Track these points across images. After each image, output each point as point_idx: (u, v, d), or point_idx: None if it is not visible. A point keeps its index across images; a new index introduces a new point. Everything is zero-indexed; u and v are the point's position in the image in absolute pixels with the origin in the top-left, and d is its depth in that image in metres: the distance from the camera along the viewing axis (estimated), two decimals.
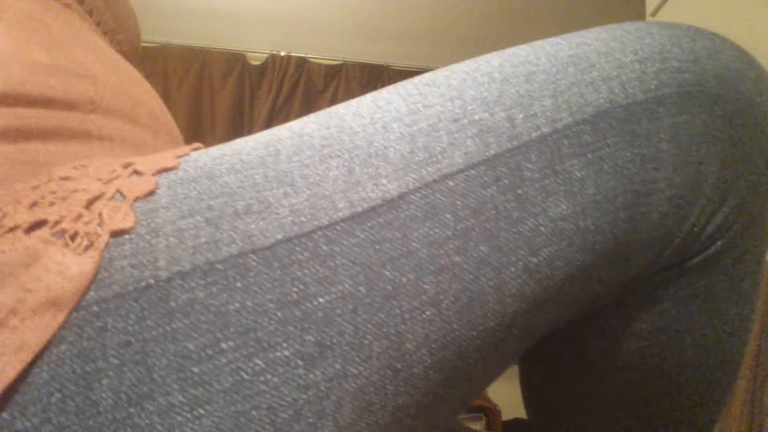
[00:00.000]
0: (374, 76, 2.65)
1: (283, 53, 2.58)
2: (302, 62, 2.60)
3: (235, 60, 2.57)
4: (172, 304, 0.23)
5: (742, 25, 1.23)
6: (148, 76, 2.49)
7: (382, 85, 2.64)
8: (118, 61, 0.40)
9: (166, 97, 2.52)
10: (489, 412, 2.16)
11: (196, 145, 0.31)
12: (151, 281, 0.23)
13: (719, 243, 0.31)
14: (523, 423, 2.26)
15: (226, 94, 2.55)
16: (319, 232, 0.25)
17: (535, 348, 0.40)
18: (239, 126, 2.55)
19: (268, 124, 2.54)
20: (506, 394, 2.06)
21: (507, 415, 2.20)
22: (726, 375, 0.35)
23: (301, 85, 2.60)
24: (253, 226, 0.25)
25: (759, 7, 1.20)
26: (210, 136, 2.51)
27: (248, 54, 2.58)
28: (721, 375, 0.35)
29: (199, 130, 2.51)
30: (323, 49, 2.62)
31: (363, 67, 2.64)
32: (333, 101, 2.61)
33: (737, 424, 1.20)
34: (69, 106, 0.33)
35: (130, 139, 0.36)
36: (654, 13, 1.52)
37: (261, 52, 2.59)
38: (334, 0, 2.35)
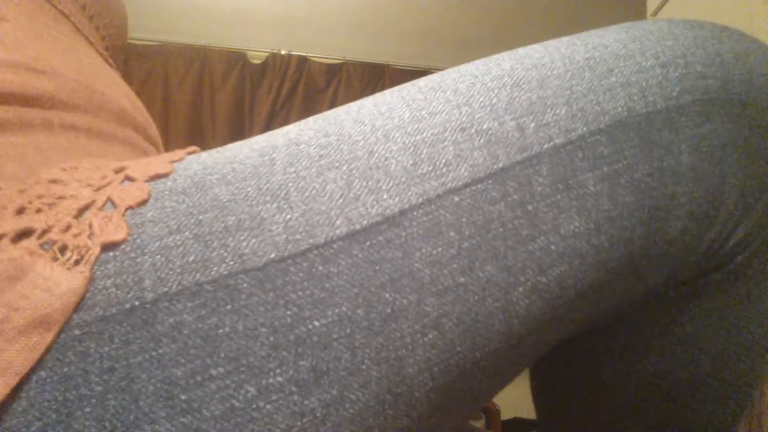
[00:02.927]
0: (375, 75, 2.65)
1: (283, 52, 2.58)
2: (303, 61, 2.59)
3: (236, 59, 2.56)
4: (159, 327, 0.22)
5: (744, 25, 1.22)
6: (148, 75, 2.50)
7: (383, 85, 2.63)
8: (84, 56, 0.39)
9: (167, 95, 2.51)
10: (489, 412, 2.16)
11: (192, 148, 0.29)
12: (137, 303, 0.22)
13: (740, 258, 0.30)
14: (523, 422, 2.26)
15: (227, 93, 2.54)
16: (315, 251, 0.23)
17: (547, 358, 0.39)
18: (240, 125, 2.55)
19: (269, 122, 2.54)
20: (506, 394, 2.06)
21: (507, 415, 2.20)
22: (743, 392, 0.34)
23: (301, 84, 2.59)
24: (244, 244, 0.23)
25: (761, 6, 1.19)
26: (210, 135, 2.51)
27: (249, 53, 2.58)
28: (738, 392, 0.34)
29: (199, 129, 2.51)
30: (324, 48, 2.61)
31: (364, 66, 2.64)
32: (334, 100, 2.61)
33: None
34: (26, 101, 0.31)
35: (95, 130, 0.35)
36: (655, 13, 1.51)
37: (262, 51, 2.58)
38: None
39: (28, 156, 0.30)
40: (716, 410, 0.34)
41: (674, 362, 0.33)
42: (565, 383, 0.39)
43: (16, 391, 0.20)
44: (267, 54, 2.59)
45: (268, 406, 0.22)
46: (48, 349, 0.21)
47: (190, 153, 0.29)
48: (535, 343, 0.27)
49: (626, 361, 0.34)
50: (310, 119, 0.29)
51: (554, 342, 0.29)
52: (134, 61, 2.49)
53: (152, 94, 2.49)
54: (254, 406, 0.22)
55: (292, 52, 2.58)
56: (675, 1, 1.47)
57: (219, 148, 0.28)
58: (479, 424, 2.15)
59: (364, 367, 0.23)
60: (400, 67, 2.67)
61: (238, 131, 2.54)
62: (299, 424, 0.22)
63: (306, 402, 0.22)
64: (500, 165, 0.26)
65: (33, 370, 0.21)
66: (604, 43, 0.29)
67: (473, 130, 0.26)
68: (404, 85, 0.29)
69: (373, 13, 2.45)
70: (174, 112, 2.51)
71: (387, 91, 0.29)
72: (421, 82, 0.29)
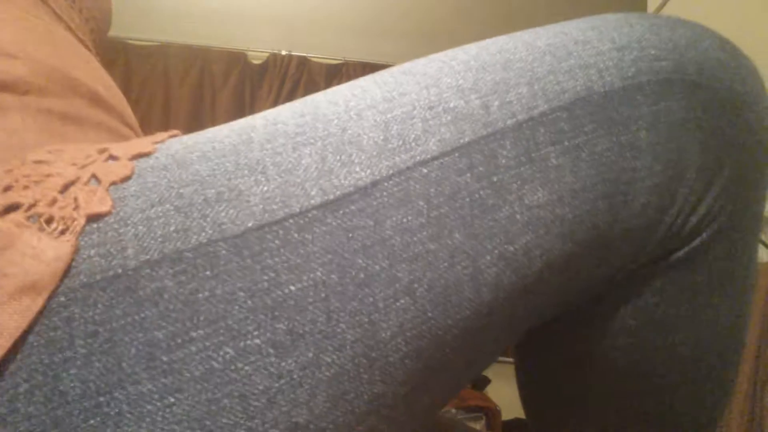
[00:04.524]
0: None
1: (284, 52, 2.58)
2: (303, 61, 2.60)
3: (236, 59, 2.57)
4: (141, 293, 0.23)
5: (745, 24, 1.23)
6: (149, 75, 2.50)
7: None
8: (61, 41, 0.39)
9: (167, 96, 2.52)
10: (489, 412, 2.16)
11: (173, 132, 0.31)
12: (119, 270, 0.23)
13: (705, 235, 0.31)
14: (523, 423, 2.26)
15: (227, 93, 2.55)
16: (291, 220, 0.24)
17: (525, 346, 0.40)
18: None
19: None
20: (506, 394, 2.06)
21: (507, 415, 2.19)
22: (723, 372, 0.34)
23: (302, 85, 2.60)
24: (223, 214, 0.24)
25: (761, 6, 1.20)
26: None
27: (249, 53, 2.59)
28: (718, 373, 0.34)
29: (199, 129, 2.50)
30: (324, 49, 2.62)
31: (364, 66, 2.64)
32: None
33: (737, 424, 1.20)
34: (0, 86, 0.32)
35: (71, 115, 0.35)
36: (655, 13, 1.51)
37: (262, 52, 2.59)
38: None
39: (2, 140, 0.30)
40: (698, 395, 0.35)
41: (650, 344, 0.33)
42: (547, 374, 0.39)
43: (5, 354, 0.21)
44: (267, 54, 2.59)
45: (247, 368, 0.23)
46: (37, 314, 0.22)
47: (171, 136, 0.30)
48: (507, 315, 0.28)
49: (603, 346, 0.34)
50: (288, 103, 0.30)
51: (528, 320, 0.30)
52: (135, 61, 2.51)
53: (152, 94, 2.50)
54: (233, 367, 0.23)
55: (293, 53, 2.59)
56: (675, 1, 1.47)
57: (200, 131, 0.29)
58: (479, 425, 2.14)
59: (339, 330, 0.24)
60: None
61: None
62: (276, 385, 0.23)
63: (283, 364, 0.23)
64: (466, 139, 0.27)
65: (22, 334, 0.21)
66: (564, 31, 0.31)
67: (441, 108, 0.27)
68: (377, 72, 0.31)
69: (373, 14, 2.46)
70: (174, 113, 2.52)
71: (361, 78, 0.30)
72: (394, 69, 0.31)
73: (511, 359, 0.45)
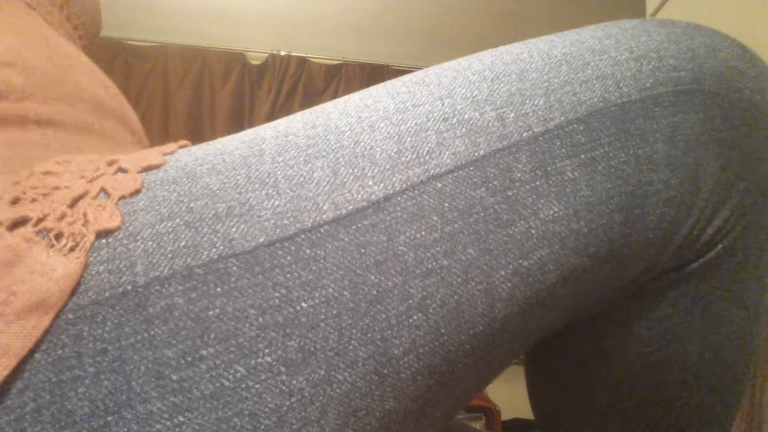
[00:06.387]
0: (375, 76, 2.65)
1: (283, 53, 2.58)
2: (302, 62, 2.60)
3: (235, 60, 2.57)
4: (150, 310, 0.22)
5: (744, 25, 1.23)
6: (148, 76, 2.50)
7: None
8: (56, 47, 0.38)
9: (166, 96, 2.52)
10: (489, 412, 2.16)
11: (183, 142, 0.30)
12: (129, 287, 0.23)
13: (720, 246, 0.30)
14: (523, 423, 2.26)
15: (226, 93, 2.55)
16: (303, 236, 0.24)
17: (538, 352, 0.40)
18: (239, 126, 2.55)
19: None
20: (506, 394, 2.06)
21: (507, 415, 2.19)
22: (735, 384, 0.34)
23: (301, 85, 2.60)
24: (234, 229, 0.24)
25: (761, 7, 1.19)
26: (210, 136, 2.50)
27: (248, 54, 2.58)
28: (730, 383, 0.34)
29: (199, 129, 2.52)
30: (323, 49, 2.61)
31: (363, 67, 2.64)
32: None
33: (737, 424, 1.20)
34: None
35: (71, 123, 0.35)
36: (654, 14, 1.51)
37: (261, 52, 2.59)
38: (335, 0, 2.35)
39: (2, 151, 0.30)
40: (710, 404, 0.34)
41: (663, 354, 0.33)
42: (558, 382, 0.39)
43: (12, 373, 0.21)
44: (266, 55, 2.59)
45: (257, 386, 0.23)
46: (44, 332, 0.21)
47: (181, 146, 0.29)
48: (519, 329, 0.28)
49: (615, 355, 0.34)
50: (299, 113, 0.29)
51: (540, 332, 0.30)
52: (134, 62, 2.50)
53: (152, 94, 2.50)
54: (243, 385, 0.22)
55: (292, 53, 2.59)
56: (674, 2, 1.47)
57: (209, 142, 0.29)
58: (479, 425, 2.14)
59: (350, 347, 0.24)
60: (399, 68, 2.67)
61: (238, 132, 2.54)
62: (288, 403, 0.23)
63: (294, 382, 0.23)
64: (481, 152, 0.26)
65: (29, 353, 0.21)
66: (580, 39, 0.30)
67: (455, 120, 0.27)
68: (390, 81, 0.30)
69: (372, 14, 2.46)
70: (173, 113, 2.52)
71: (373, 87, 0.30)
72: (406, 77, 0.30)
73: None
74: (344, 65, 2.63)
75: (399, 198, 0.25)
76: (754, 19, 1.21)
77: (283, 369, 0.23)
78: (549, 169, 0.27)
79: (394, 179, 0.25)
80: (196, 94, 2.53)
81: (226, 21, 2.47)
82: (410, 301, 0.24)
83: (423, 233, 0.25)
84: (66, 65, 0.37)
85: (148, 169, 0.26)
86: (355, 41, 2.61)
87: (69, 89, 0.36)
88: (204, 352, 0.22)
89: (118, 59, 2.48)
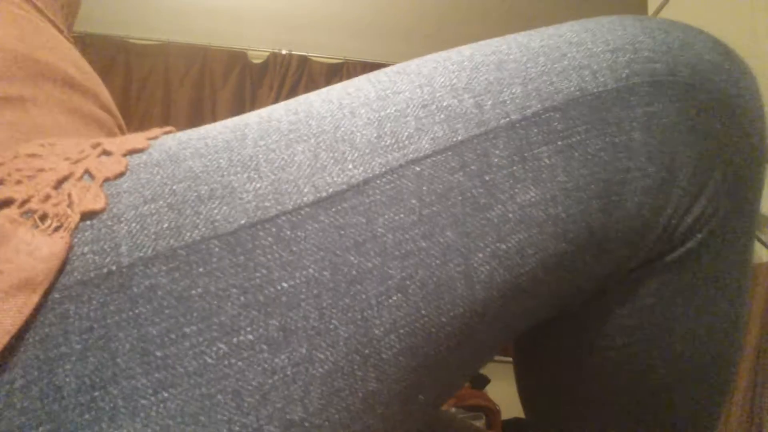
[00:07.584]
0: None
1: (284, 52, 2.58)
2: (303, 61, 2.60)
3: (237, 58, 2.57)
4: (135, 289, 0.23)
5: (744, 26, 1.23)
6: (149, 74, 2.51)
7: None
8: (29, 25, 0.38)
9: (167, 95, 2.52)
10: (489, 412, 2.16)
11: (168, 128, 0.31)
12: (113, 268, 0.23)
13: (699, 236, 0.31)
14: (523, 423, 2.26)
15: (228, 92, 2.55)
16: (283, 217, 0.25)
17: (524, 346, 0.40)
18: None
19: None
20: (506, 394, 2.06)
21: (507, 415, 2.19)
22: (721, 373, 0.34)
23: (302, 84, 2.60)
24: (216, 211, 0.24)
25: (761, 7, 1.19)
26: None
27: (249, 52, 2.59)
28: (716, 373, 0.34)
29: None
30: (325, 48, 2.62)
31: (365, 65, 2.64)
32: None
33: (737, 424, 1.20)
34: None
35: (41, 100, 0.35)
36: (655, 15, 1.52)
37: (262, 51, 2.59)
38: None
39: None
40: (696, 395, 0.34)
41: (647, 344, 0.33)
42: (545, 376, 0.39)
43: (2, 350, 0.21)
44: (268, 54, 2.59)
45: (240, 363, 0.23)
46: (33, 310, 0.22)
47: (166, 132, 0.30)
48: (501, 315, 0.28)
49: (601, 345, 0.34)
50: (283, 102, 0.30)
51: (524, 321, 0.30)
52: (135, 61, 2.51)
53: (153, 93, 2.51)
54: (226, 362, 0.23)
55: (293, 52, 2.59)
56: (675, 2, 1.47)
57: (194, 128, 0.29)
58: (479, 424, 2.14)
59: (331, 326, 0.24)
60: None
61: None
62: (270, 381, 0.23)
63: (276, 360, 0.23)
64: (459, 138, 0.27)
65: (18, 330, 0.22)
66: (558, 33, 0.31)
67: (434, 107, 0.28)
68: (372, 72, 0.31)
69: (374, 13, 2.46)
70: (175, 112, 2.52)
71: (356, 77, 0.30)
72: (388, 68, 0.31)
73: (510, 358, 0.45)
74: (345, 64, 2.64)
75: (378, 181, 0.26)
76: (754, 19, 1.21)
77: (264, 347, 0.23)
78: (526, 154, 0.27)
79: (374, 163, 0.26)
80: (197, 92, 2.54)
81: (228, 20, 2.47)
82: (390, 282, 0.25)
83: (402, 216, 0.25)
84: (36, 44, 0.37)
85: (133, 152, 0.27)
86: (357, 40, 2.61)
87: (38, 68, 0.36)
88: (187, 330, 0.23)
89: (119, 58, 2.49)
